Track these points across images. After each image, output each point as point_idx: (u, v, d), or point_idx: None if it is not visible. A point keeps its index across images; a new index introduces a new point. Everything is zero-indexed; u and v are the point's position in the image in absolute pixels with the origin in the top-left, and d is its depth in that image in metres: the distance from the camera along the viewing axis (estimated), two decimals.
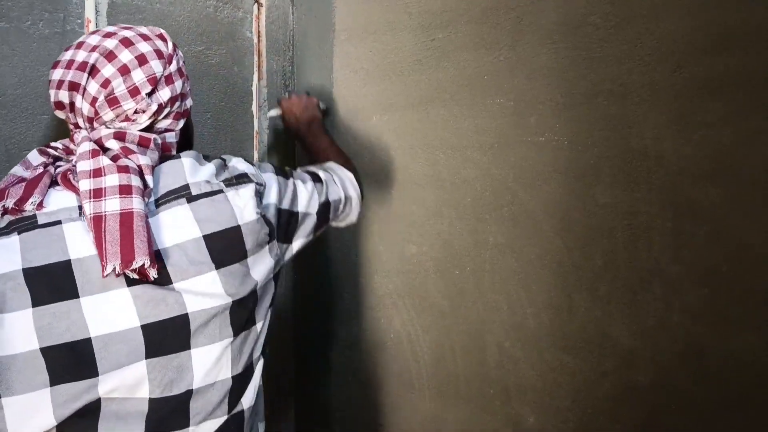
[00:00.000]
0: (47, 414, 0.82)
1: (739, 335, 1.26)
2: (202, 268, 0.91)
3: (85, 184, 0.89)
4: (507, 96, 1.53)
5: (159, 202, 0.94)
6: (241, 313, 0.97)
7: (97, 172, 0.90)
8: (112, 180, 0.89)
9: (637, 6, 1.34)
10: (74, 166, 0.95)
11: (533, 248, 1.51)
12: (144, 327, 0.87)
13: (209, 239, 0.92)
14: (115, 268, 0.83)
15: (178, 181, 0.96)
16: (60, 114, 1.02)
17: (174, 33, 1.57)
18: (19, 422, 0.80)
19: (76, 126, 1.00)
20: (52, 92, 0.99)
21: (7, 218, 0.89)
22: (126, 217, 0.86)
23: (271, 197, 1.06)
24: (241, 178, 1.01)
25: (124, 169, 0.91)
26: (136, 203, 0.88)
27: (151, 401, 0.89)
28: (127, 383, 0.87)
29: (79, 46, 0.99)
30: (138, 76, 0.97)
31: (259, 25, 1.83)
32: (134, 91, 0.96)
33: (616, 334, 1.40)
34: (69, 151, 1.02)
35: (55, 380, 0.82)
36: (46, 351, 0.82)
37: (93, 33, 1.01)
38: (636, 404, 1.39)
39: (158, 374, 0.89)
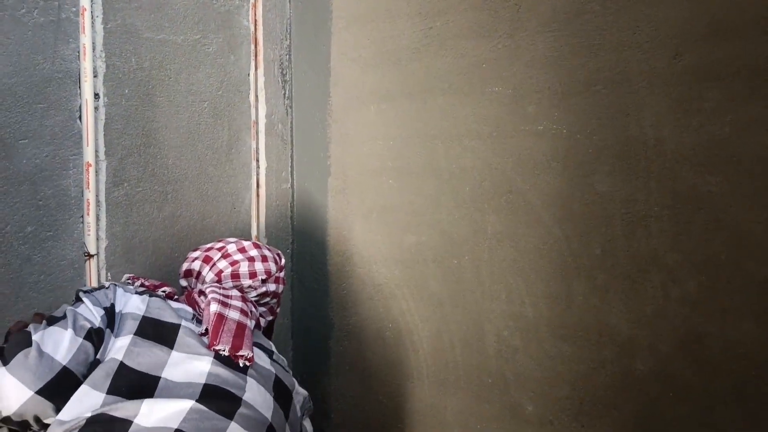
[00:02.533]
0: (91, 408, 0.99)
1: (738, 324, 1.26)
2: (267, 387, 1.15)
3: (215, 296, 1.22)
4: (505, 84, 1.52)
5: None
6: None
7: (227, 296, 1.24)
8: (237, 303, 1.24)
9: None
10: (203, 290, 1.27)
11: (532, 237, 1.51)
12: (206, 385, 1.07)
13: (277, 379, 1.20)
14: (224, 349, 1.11)
15: (266, 345, 1.28)
16: (183, 281, 1.40)
17: (170, 21, 1.56)
18: (73, 405, 0.99)
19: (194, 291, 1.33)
20: (185, 264, 1.39)
21: (143, 288, 1.21)
22: (242, 326, 1.19)
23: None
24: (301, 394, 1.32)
25: (245, 302, 1.27)
26: (250, 324, 1.22)
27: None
28: (167, 413, 0.99)
29: (219, 241, 1.44)
30: (259, 266, 1.37)
31: (255, 14, 1.81)
32: (253, 275, 1.35)
33: (615, 323, 1.40)
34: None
35: (112, 390, 1.01)
36: (122, 366, 1.04)
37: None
38: (634, 392, 1.39)
39: (195, 417, 1.00)
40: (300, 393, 1.28)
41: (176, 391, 1.04)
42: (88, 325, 1.06)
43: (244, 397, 1.08)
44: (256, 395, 1.11)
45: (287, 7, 1.92)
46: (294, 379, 1.29)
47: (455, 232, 1.63)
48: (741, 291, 1.26)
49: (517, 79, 1.50)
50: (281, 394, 1.18)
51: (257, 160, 1.85)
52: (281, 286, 1.44)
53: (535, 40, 1.46)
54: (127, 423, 0.96)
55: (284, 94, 1.92)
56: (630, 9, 1.34)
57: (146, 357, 1.06)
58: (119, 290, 1.18)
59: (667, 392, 1.36)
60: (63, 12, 1.33)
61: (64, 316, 1.07)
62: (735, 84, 1.24)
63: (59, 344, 1.02)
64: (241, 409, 1.06)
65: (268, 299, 1.40)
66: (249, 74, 1.80)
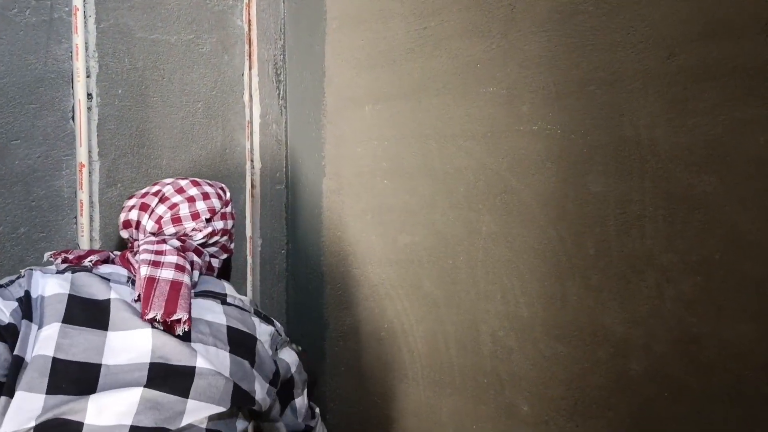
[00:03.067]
0: (33, 414, 0.89)
1: (734, 325, 1.26)
2: (218, 345, 1.07)
3: (146, 256, 1.11)
4: (499, 84, 1.52)
5: (198, 294, 1.16)
6: (241, 395, 1.05)
7: (159, 252, 1.13)
8: (170, 259, 1.12)
9: None
10: (138, 248, 1.16)
11: (526, 238, 1.51)
12: (152, 364, 0.99)
13: (231, 330, 1.11)
14: (156, 316, 1.00)
15: (218, 289, 1.20)
16: (124, 233, 1.27)
17: (164, 21, 1.55)
18: (14, 413, 0.88)
19: (136, 242, 1.22)
20: (123, 214, 1.26)
21: (65, 265, 1.09)
22: (176, 285, 1.07)
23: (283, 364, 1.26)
24: (268, 319, 1.26)
25: (182, 256, 1.14)
26: (186, 279, 1.10)
27: (132, 429, 0.93)
28: (118, 408, 0.92)
29: (155, 185, 1.29)
30: (200, 206, 1.25)
31: (249, 13, 1.81)
32: (195, 216, 1.24)
33: (609, 323, 1.40)
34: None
35: (52, 390, 0.91)
36: (56, 361, 0.93)
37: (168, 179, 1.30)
38: (629, 393, 1.39)
39: (149, 405, 0.94)
40: (265, 331, 1.20)
41: (122, 376, 0.96)
42: None
43: (196, 365, 1.00)
44: (210, 357, 1.03)
45: (281, 6, 1.92)
46: (256, 318, 1.20)
47: (450, 232, 1.63)
48: (736, 291, 1.26)
49: (512, 79, 1.50)
50: (239, 342, 1.10)
51: (251, 161, 1.84)
52: (230, 221, 1.34)
53: (529, 41, 1.46)
54: (80, 425, 0.89)
55: (278, 94, 1.92)
56: (624, 9, 1.34)
57: (80, 345, 0.96)
58: (36, 273, 1.05)
59: (663, 392, 1.36)
60: (55, 12, 1.33)
61: None
62: (730, 84, 1.24)
63: None
64: (197, 381, 0.99)
65: (217, 238, 1.30)
66: (243, 74, 1.80)
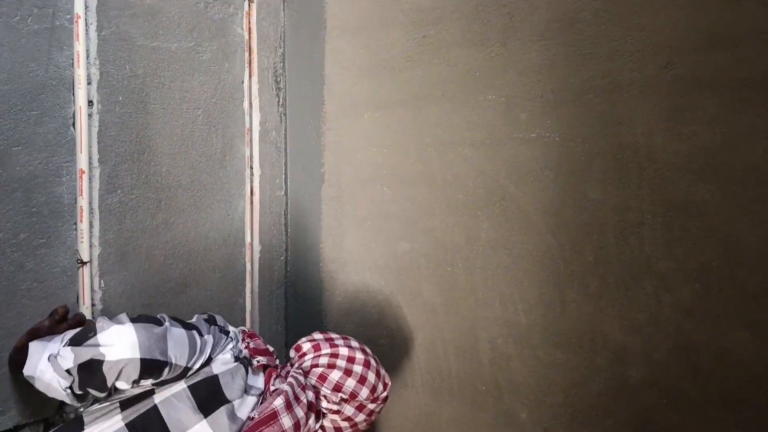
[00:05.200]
0: None
1: (732, 332, 1.27)
2: None
3: (289, 389, 1.18)
4: (498, 92, 1.53)
5: None
6: None
7: (298, 397, 1.19)
8: (299, 410, 1.17)
9: (628, 2, 1.34)
10: (283, 373, 1.27)
11: (525, 245, 1.51)
12: None
13: None
14: None
15: None
16: (292, 352, 1.35)
17: (165, 29, 1.56)
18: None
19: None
20: (303, 339, 1.36)
21: (241, 352, 1.26)
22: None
23: None
24: None
25: (308, 413, 1.20)
26: None
27: None
28: None
29: (350, 347, 1.34)
30: (349, 383, 1.28)
31: (249, 21, 1.82)
32: (337, 388, 1.26)
33: (608, 330, 1.41)
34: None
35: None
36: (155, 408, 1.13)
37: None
38: (628, 400, 1.39)
39: None
40: None
41: None
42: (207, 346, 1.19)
43: None
44: None
45: (281, 15, 1.93)
46: None
47: (449, 239, 1.63)
48: (734, 299, 1.26)
49: (510, 87, 1.51)
50: None
51: (251, 168, 1.85)
52: (361, 416, 1.28)
53: (528, 49, 1.47)
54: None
55: (278, 101, 1.93)
56: (622, 18, 1.35)
57: (179, 414, 1.11)
58: (227, 342, 1.25)
59: (661, 400, 1.36)
60: (57, 19, 1.33)
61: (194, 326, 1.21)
62: (728, 93, 1.25)
63: (182, 340, 1.15)
64: None
65: (337, 417, 1.27)
66: (243, 82, 1.81)
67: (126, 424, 1.09)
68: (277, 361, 1.35)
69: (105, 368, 1.08)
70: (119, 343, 1.09)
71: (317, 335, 1.36)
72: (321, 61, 1.86)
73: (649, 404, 1.37)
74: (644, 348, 1.37)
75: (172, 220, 1.59)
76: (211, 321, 1.28)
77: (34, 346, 1.13)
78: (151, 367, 1.10)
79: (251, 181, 1.85)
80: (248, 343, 1.28)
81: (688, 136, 1.28)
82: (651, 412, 1.37)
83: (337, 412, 1.25)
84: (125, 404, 1.13)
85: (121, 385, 1.10)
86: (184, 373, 1.14)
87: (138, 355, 1.08)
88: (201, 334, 1.21)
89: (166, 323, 1.17)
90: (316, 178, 1.90)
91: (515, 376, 1.54)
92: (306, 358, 1.31)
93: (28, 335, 1.21)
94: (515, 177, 1.51)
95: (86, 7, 1.39)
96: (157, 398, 1.12)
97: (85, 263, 1.40)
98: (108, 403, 1.14)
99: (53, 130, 1.34)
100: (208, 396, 1.13)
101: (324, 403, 1.25)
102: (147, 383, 1.12)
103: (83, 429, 1.11)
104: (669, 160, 1.30)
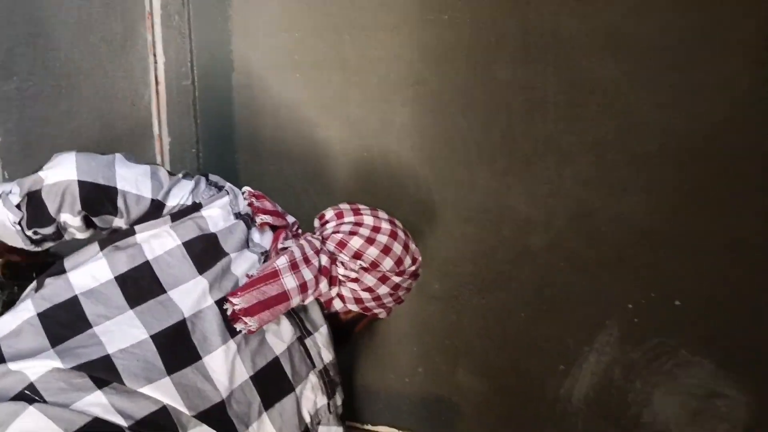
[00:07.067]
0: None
1: (624, 197, 1.41)
2: (248, 365, 1.02)
3: (297, 251, 1.08)
4: None
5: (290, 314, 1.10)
6: None
7: (307, 259, 1.09)
8: (307, 273, 1.07)
9: None
10: (297, 232, 1.20)
11: (437, 127, 1.57)
12: (184, 320, 0.99)
13: (273, 366, 1.05)
14: (234, 307, 0.98)
15: (310, 326, 1.13)
16: (316, 221, 1.26)
17: None
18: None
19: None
20: (329, 208, 1.25)
21: (242, 210, 1.14)
22: (282, 298, 1.02)
23: None
24: (333, 391, 1.17)
25: (316, 277, 1.09)
26: (296, 300, 1.05)
27: None
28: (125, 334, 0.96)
29: (378, 217, 1.23)
30: (371, 251, 1.14)
31: None
32: (357, 255, 1.13)
33: (514, 203, 1.52)
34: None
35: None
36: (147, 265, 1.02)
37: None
38: (531, 265, 1.53)
39: (132, 352, 0.95)
40: (311, 398, 1.08)
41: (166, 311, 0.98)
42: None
43: (203, 358, 0.96)
44: (222, 364, 0.97)
45: None
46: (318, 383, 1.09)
47: (363, 124, 1.66)
48: (626, 167, 1.39)
49: None
50: (271, 379, 1.03)
51: (154, 55, 1.76)
52: (384, 288, 1.16)
53: None
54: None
55: None
56: None
57: (173, 270, 1.01)
58: (221, 195, 1.14)
59: (560, 263, 1.51)
60: None
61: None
62: None
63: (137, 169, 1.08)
64: (185, 370, 0.94)
65: (356, 287, 1.15)
66: None
67: (115, 277, 0.99)
68: (297, 229, 1.25)
69: (44, 193, 1.01)
70: (57, 166, 1.03)
71: (343, 205, 1.26)
72: None
73: (550, 267, 1.52)
74: (546, 218, 1.49)
75: (75, 109, 1.51)
76: (193, 176, 1.19)
77: None
78: (94, 192, 1.02)
79: (155, 69, 1.77)
80: (253, 201, 1.18)
81: (591, 15, 1.35)
82: (551, 275, 1.52)
83: (356, 280, 1.13)
84: (111, 253, 1.02)
85: (66, 217, 1.03)
86: (157, 209, 1.07)
87: (75, 177, 1.01)
88: (171, 174, 1.13)
89: (117, 154, 1.09)
90: (225, 66, 1.84)
91: (429, 250, 1.63)
92: (328, 225, 1.20)
93: None
94: (428, 60, 1.54)
95: None
96: (149, 254, 1.02)
97: None
98: (94, 251, 1.04)
99: None
100: (204, 253, 1.04)
101: (341, 270, 1.14)
102: (111, 221, 1.06)
103: (65, 272, 1.00)
104: (572, 39, 1.38)
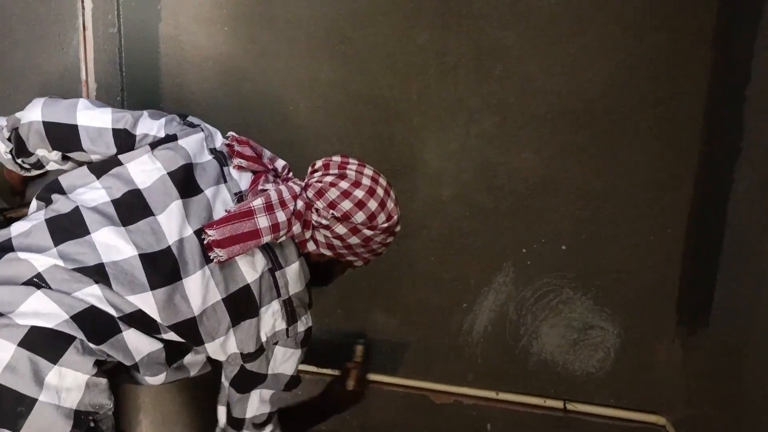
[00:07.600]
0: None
1: (521, 154, 1.60)
2: (216, 290, 1.12)
3: (273, 194, 1.16)
4: None
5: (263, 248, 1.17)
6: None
7: (283, 201, 1.16)
8: (281, 214, 1.14)
9: None
10: (284, 181, 1.25)
11: (361, 85, 1.69)
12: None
13: (237, 295, 1.15)
14: (209, 237, 1.07)
15: (279, 260, 1.20)
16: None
17: None
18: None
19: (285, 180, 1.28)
20: (321, 161, 1.25)
21: (219, 150, 1.25)
22: (254, 235, 1.10)
23: None
24: (294, 318, 1.25)
25: (290, 220, 1.15)
26: (267, 239, 1.12)
27: None
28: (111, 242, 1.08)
29: (363, 174, 1.23)
30: (345, 204, 1.17)
31: None
32: (332, 205, 1.16)
33: (428, 158, 1.68)
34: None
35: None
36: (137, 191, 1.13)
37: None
38: (441, 214, 1.70)
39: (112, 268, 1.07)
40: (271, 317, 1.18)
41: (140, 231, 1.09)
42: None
43: (183, 279, 1.07)
44: (198, 286, 1.08)
45: None
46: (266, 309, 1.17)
47: (291, 79, 1.75)
48: (524, 127, 1.58)
49: None
50: (241, 301, 1.13)
51: (82, 0, 1.77)
52: (355, 239, 1.20)
53: None
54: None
55: None
56: None
57: (160, 196, 1.11)
58: (195, 131, 1.23)
59: (465, 212, 1.69)
60: None
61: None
62: None
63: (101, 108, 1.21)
64: (166, 288, 1.05)
65: (328, 233, 1.19)
66: None
67: (112, 200, 1.10)
68: (288, 173, 1.32)
69: (20, 131, 1.21)
70: (28, 109, 1.21)
71: (335, 157, 1.28)
72: None
73: (457, 216, 1.69)
74: (455, 171, 1.66)
75: (6, 50, 1.52)
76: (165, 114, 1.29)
77: None
78: (57, 131, 1.18)
79: (83, 15, 1.78)
80: (234, 145, 1.26)
81: None
82: (458, 222, 1.70)
83: (327, 227, 1.18)
84: (106, 179, 1.14)
85: (43, 152, 1.23)
86: (127, 138, 1.19)
87: (40, 118, 1.18)
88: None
89: (81, 98, 1.23)
90: (152, 16, 1.86)
91: None
92: (315, 174, 1.24)
93: None
94: (353, 20, 1.65)
95: None
96: (141, 185, 1.13)
97: None
98: (91, 178, 1.15)
99: None
100: (186, 181, 1.14)
101: (314, 216, 1.19)
102: (86, 156, 1.20)
103: (65, 194, 1.12)
104: (482, 8, 1.53)
